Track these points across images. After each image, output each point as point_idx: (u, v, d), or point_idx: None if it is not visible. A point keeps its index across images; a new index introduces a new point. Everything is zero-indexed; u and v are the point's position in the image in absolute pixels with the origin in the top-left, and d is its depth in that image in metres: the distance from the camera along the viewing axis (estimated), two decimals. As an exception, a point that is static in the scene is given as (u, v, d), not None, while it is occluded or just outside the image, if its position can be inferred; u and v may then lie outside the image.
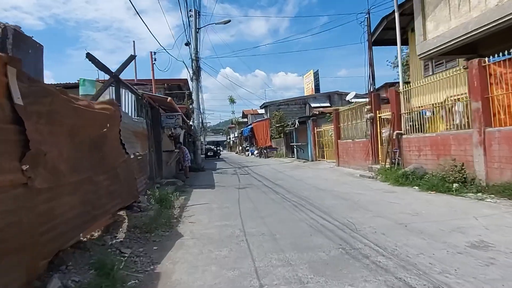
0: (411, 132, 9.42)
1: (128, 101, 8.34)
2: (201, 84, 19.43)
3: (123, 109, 9.03)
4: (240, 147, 44.69)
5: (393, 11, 13.09)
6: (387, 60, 28.79)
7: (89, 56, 5.11)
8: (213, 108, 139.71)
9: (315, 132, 18.45)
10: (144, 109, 9.53)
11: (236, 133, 54.02)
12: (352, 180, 10.21)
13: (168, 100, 9.72)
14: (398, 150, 9.49)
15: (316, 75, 34.68)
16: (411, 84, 13.55)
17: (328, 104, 29.96)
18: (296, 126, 19.06)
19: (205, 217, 6.20)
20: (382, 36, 15.30)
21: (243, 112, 46.53)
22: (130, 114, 8.35)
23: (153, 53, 16.02)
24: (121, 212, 5.33)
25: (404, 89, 9.72)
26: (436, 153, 8.09)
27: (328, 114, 18.75)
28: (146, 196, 7.12)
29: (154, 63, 16.07)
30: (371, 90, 11.55)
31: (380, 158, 11.10)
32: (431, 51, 8.67)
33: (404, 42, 16.14)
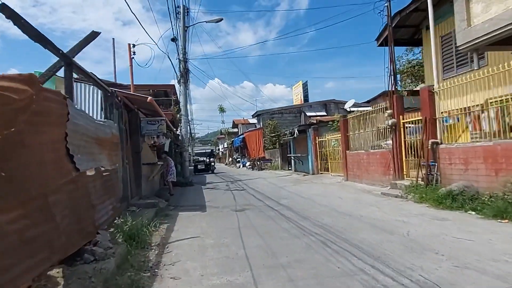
0: (449, 141, 7.64)
1: (90, 98, 6.35)
2: (190, 91, 17.47)
3: (80, 106, 6.99)
4: (231, 159, 42.57)
5: (407, 6, 11.55)
6: (386, 67, 27.20)
7: (7, 12, 3.04)
8: (201, 119, 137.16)
9: (317, 142, 16.62)
10: (117, 110, 7.48)
11: (225, 143, 51.94)
12: (376, 200, 8.31)
13: (148, 100, 7.71)
14: (435, 164, 7.67)
15: (305, 86, 33.66)
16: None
17: (324, 113, 28.37)
18: (295, 135, 17.23)
19: (196, 265, 4.14)
20: (393, 35, 13.77)
21: (233, 121, 44.63)
22: (93, 115, 6.33)
23: (132, 46, 13.85)
24: (56, 271, 3.23)
25: (442, 88, 7.95)
26: (494, 167, 6.28)
27: (330, 122, 17.00)
28: (110, 230, 5.03)
29: (133, 57, 14.00)
30: (392, 90, 9.80)
31: (404, 173, 9.27)
32: (480, 40, 6.96)
33: (417, 42, 14.69)
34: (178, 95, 18.03)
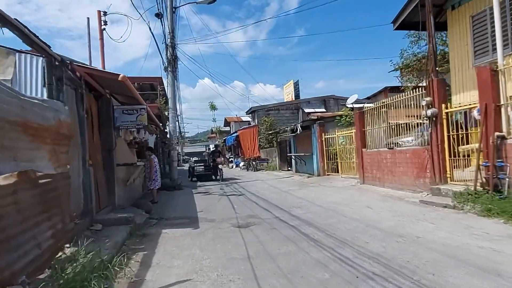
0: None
1: (23, 67, 4.29)
2: (179, 82, 15.36)
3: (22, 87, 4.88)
4: (223, 158, 40.48)
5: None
6: (390, 60, 25.44)
7: None
8: (191, 118, 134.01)
9: (323, 139, 14.72)
10: (73, 90, 5.41)
11: (216, 142, 49.78)
12: (420, 212, 6.42)
13: (119, 78, 5.63)
14: (505, 165, 5.80)
15: (296, 85, 32.12)
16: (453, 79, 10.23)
17: (323, 110, 26.58)
18: (298, 131, 15.29)
19: None
20: (411, 18, 11.92)
21: (225, 119, 42.48)
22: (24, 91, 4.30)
23: (102, 13, 11.43)
24: None
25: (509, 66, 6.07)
26: None
27: (338, 118, 15.14)
28: (43, 277, 2.99)
29: (104, 28, 11.63)
30: (431, 73, 7.93)
31: (448, 175, 7.42)
32: None
33: (439, 26, 12.92)
34: (165, 86, 15.88)
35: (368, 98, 27.26)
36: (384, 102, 9.93)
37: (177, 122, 15.29)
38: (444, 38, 21.01)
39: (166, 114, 15.52)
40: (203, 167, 17.77)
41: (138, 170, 9.65)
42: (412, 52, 23.07)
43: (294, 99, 30.51)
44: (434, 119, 7.51)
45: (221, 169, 17.02)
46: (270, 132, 22.07)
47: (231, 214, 7.52)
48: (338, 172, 14.27)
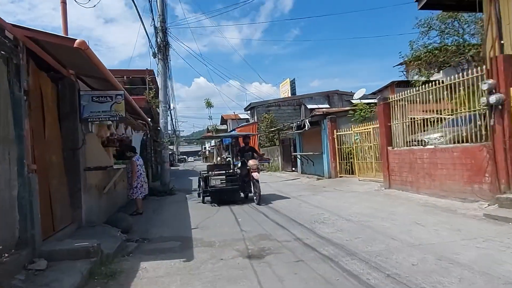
0: None
1: None
2: (171, 72, 13.51)
3: None
4: (219, 158, 38.60)
5: None
6: (399, 52, 23.13)
7: None
8: (186, 116, 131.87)
9: (335, 136, 12.98)
10: (7, 60, 3.60)
11: (213, 142, 47.90)
12: (499, 232, 4.68)
13: (76, 44, 3.81)
14: None
15: (292, 84, 30.76)
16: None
17: (327, 105, 24.87)
18: (306, 128, 13.52)
19: None
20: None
21: (222, 117, 40.52)
22: None
23: None
24: None
25: None
26: None
27: (351, 112, 13.41)
28: None
29: None
30: (492, 48, 6.19)
31: (517, 180, 5.70)
32: None
33: (468, 6, 11.24)
34: (156, 76, 14.02)
35: (373, 93, 25.64)
36: (421, 90, 8.17)
37: (169, 118, 13.45)
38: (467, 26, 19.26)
39: (155, 105, 13.68)
40: (225, 178, 9.73)
41: (119, 174, 7.82)
42: (422, 43, 21.31)
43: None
44: (500, 107, 5.78)
45: (258, 181, 8.78)
46: (272, 129, 20.28)
47: (236, 232, 5.74)
48: (352, 173, 12.55)
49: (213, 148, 45.93)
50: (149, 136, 13.36)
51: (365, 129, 11.50)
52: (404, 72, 31.04)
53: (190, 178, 20.24)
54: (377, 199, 8.27)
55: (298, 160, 16.53)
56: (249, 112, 29.04)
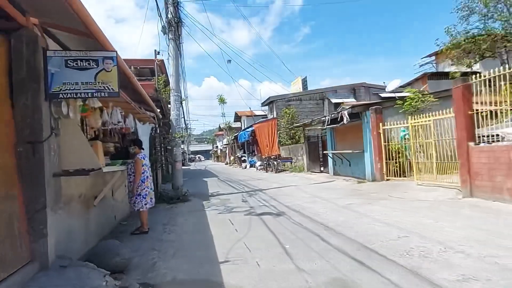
0: None
1: None
2: (183, 55, 11.45)
3: None
4: (232, 157, 36.56)
5: None
6: (436, 39, 20.61)
7: None
8: (197, 115, 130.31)
9: (380, 131, 10.72)
10: None
11: (225, 140, 45.89)
12: None
13: None
14: None
15: (304, 82, 28.68)
16: None
17: (353, 99, 22.58)
18: (345, 121, 11.27)
19: None
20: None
21: (235, 114, 38.41)
22: None
23: None
24: None
25: None
26: None
27: (399, 102, 11.12)
28: None
29: None
30: None
31: None
32: None
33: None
34: (166, 64, 11.97)
35: (401, 86, 23.33)
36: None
37: (181, 109, 11.41)
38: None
39: (165, 94, 11.65)
40: None
41: (116, 178, 5.77)
42: (463, 29, 18.66)
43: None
44: None
45: None
46: (297, 125, 18.03)
47: (290, 273, 3.62)
48: (401, 175, 10.30)
49: (226, 147, 43.89)
50: (158, 131, 11.34)
51: (424, 121, 9.21)
52: (434, 64, 28.50)
53: (205, 179, 18.22)
54: (470, 213, 6.01)
55: (330, 160, 14.29)
56: (267, 107, 26.90)
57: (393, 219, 5.88)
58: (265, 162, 21.26)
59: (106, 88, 3.72)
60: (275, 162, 19.34)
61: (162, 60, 18.24)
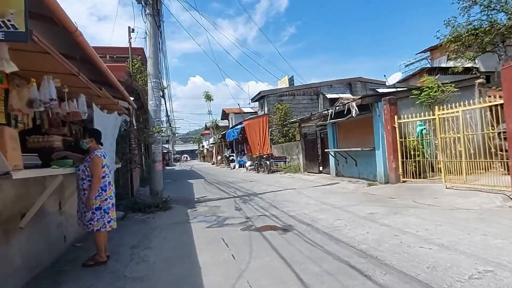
0: None
1: None
2: (164, 37, 9.65)
3: None
4: (220, 157, 34.73)
5: None
6: (437, 31, 19.42)
7: None
8: (182, 115, 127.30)
9: (396, 125, 9.24)
10: None
11: (211, 139, 43.92)
12: None
13: None
14: None
15: (291, 81, 27.43)
16: None
17: (349, 95, 21.19)
18: (353, 114, 9.72)
19: None
20: None
21: (223, 111, 36.49)
22: None
23: None
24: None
25: None
26: None
27: (415, 92, 9.69)
28: None
29: None
30: None
31: None
32: None
33: None
34: (146, 49, 10.11)
35: (398, 82, 22.22)
36: None
37: (162, 100, 9.60)
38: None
39: (141, 81, 9.82)
40: None
41: (54, 186, 4.00)
42: (466, 20, 17.48)
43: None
44: None
45: None
46: (293, 120, 16.39)
47: None
48: (419, 176, 8.85)
49: (213, 146, 41.97)
50: (134, 125, 9.53)
51: (451, 113, 7.75)
52: (429, 60, 27.52)
53: (190, 181, 16.42)
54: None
55: (331, 159, 12.76)
56: (257, 103, 25.23)
57: (446, 238, 4.34)
58: (256, 161, 19.60)
59: (2, 24, 1.98)
60: (267, 162, 17.70)
61: (142, 48, 16.37)
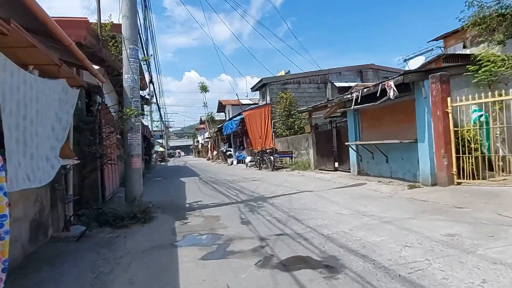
0: None
1: None
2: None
3: None
4: (216, 152, 32.48)
5: None
6: (461, 11, 17.34)
7: None
8: (176, 110, 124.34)
9: (449, 110, 7.10)
10: None
11: (206, 134, 41.56)
12: None
13: None
14: None
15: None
16: None
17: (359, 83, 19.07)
18: (391, 95, 7.56)
19: None
20: None
21: (219, 102, 34.03)
22: None
23: None
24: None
25: None
26: None
27: (471, 68, 7.57)
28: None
29: None
30: None
31: None
32: None
33: None
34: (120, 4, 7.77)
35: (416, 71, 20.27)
36: None
37: (146, 74, 7.35)
38: None
39: (112, 42, 7.54)
40: None
41: None
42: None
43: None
44: None
45: None
46: (303, 109, 14.15)
47: None
48: (475, 176, 6.75)
49: (208, 141, 39.65)
50: (110, 109, 7.29)
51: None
52: (442, 48, 25.51)
53: (183, 179, 14.19)
54: None
55: (352, 154, 10.62)
56: (257, 93, 22.99)
57: None
58: (257, 157, 17.42)
59: None
60: (271, 158, 15.51)
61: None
